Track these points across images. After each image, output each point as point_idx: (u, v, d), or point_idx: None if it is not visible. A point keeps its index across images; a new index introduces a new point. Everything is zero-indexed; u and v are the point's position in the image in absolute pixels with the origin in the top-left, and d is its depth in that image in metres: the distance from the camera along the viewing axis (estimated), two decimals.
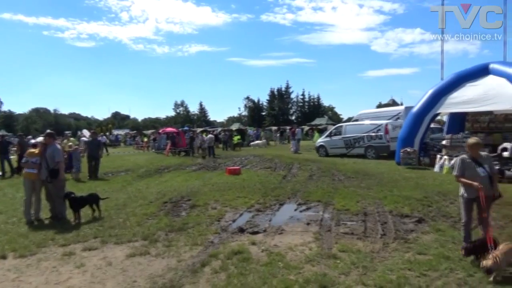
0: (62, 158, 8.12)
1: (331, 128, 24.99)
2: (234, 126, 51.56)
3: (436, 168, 14.17)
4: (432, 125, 17.53)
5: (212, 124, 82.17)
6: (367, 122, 21.33)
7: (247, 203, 8.92)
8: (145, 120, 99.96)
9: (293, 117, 76.36)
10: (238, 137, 34.74)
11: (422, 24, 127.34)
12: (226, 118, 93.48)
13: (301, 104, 78.96)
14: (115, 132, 60.55)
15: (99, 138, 21.79)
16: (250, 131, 45.36)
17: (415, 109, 15.97)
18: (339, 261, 4.99)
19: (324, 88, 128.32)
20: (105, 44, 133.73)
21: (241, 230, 6.61)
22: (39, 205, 7.88)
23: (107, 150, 29.81)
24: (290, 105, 78.35)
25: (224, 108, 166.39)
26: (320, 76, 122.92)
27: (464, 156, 5.21)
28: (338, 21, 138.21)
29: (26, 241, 6.29)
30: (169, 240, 6.12)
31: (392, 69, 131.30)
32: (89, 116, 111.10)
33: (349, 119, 37.76)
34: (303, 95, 78.27)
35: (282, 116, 74.03)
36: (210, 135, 27.67)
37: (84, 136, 28.44)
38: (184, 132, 32.25)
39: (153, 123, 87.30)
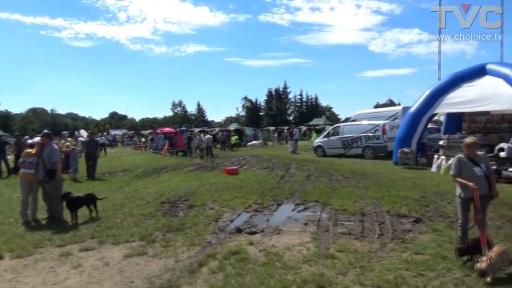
0: (59, 158, 8.09)
1: (329, 128, 24.99)
2: (232, 126, 51.54)
3: (434, 168, 14.22)
4: (429, 125, 17.60)
5: (210, 124, 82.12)
6: (364, 122, 21.37)
7: (245, 203, 8.92)
8: (142, 120, 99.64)
9: (291, 117, 76.38)
10: (236, 137, 34.75)
11: (419, 24, 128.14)
12: (224, 118, 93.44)
13: (299, 104, 79.02)
14: (113, 132, 60.44)
15: (98, 139, 21.78)
16: (248, 131, 45.37)
17: (412, 109, 16.02)
18: (336, 261, 5.00)
19: (322, 88, 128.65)
20: (102, 44, 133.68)
21: (239, 230, 6.60)
22: (36, 205, 7.85)
23: (105, 150, 29.80)
24: (288, 105, 78.40)
25: (222, 108, 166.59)
26: (318, 76, 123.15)
27: (461, 155, 5.21)
28: (335, 22, 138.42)
29: (23, 241, 6.27)
30: (166, 241, 6.11)
31: (390, 70, 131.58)
32: (87, 116, 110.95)
33: (346, 119, 37.88)
34: (301, 95, 78.41)
35: (280, 116, 74.05)
36: (208, 136, 27.66)
37: (82, 136, 28.38)
38: (182, 132, 32.23)
39: (151, 123, 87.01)
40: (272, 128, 51.21)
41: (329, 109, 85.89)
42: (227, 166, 16.24)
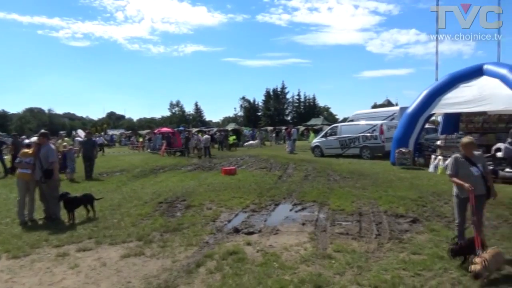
0: (56, 158, 8.07)
1: (327, 129, 25.02)
2: (230, 126, 51.60)
3: (431, 168, 14.26)
4: (426, 126, 17.65)
5: (208, 124, 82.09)
6: (362, 122, 21.40)
7: (242, 204, 8.92)
8: (140, 120, 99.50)
9: (289, 118, 76.51)
10: (234, 137, 34.75)
11: (417, 25, 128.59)
12: (221, 118, 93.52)
13: (296, 104, 79.15)
14: (110, 132, 60.30)
15: (97, 139, 21.71)
16: (246, 131, 45.38)
17: (410, 110, 16.05)
18: (334, 261, 5.00)
19: (320, 89, 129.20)
20: (100, 43, 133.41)
21: (236, 231, 6.60)
22: (32, 205, 7.82)
23: (103, 150, 29.77)
24: (286, 105, 78.53)
25: (219, 108, 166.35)
26: (316, 76, 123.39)
27: (458, 155, 5.21)
28: (333, 22, 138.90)
29: (19, 242, 6.24)
30: (164, 241, 6.10)
31: (387, 70, 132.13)
32: (84, 116, 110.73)
33: (344, 120, 37.92)
34: (298, 95, 78.60)
35: (278, 116, 74.15)
36: (206, 136, 27.64)
37: (79, 136, 28.31)
38: (180, 132, 32.19)
39: (148, 123, 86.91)
40: (270, 128, 51.28)
41: (327, 109, 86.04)
42: (225, 166, 16.22)
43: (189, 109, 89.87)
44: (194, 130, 43.15)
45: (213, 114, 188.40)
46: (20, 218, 7.54)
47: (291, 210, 8.37)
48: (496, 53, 21.95)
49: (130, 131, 61.35)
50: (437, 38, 23.76)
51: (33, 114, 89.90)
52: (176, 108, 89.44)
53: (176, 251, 5.60)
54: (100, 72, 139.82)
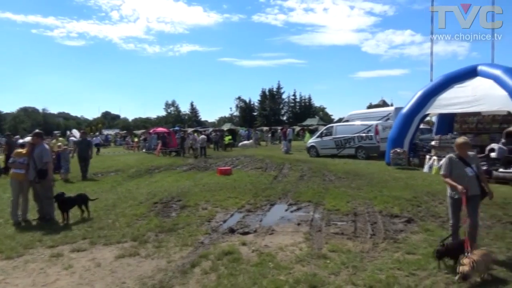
0: (50, 158, 8.01)
1: (322, 129, 25.08)
2: (226, 126, 51.51)
3: (425, 168, 14.34)
4: (421, 126, 17.74)
5: (203, 124, 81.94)
6: (357, 122, 21.47)
7: (238, 204, 8.91)
8: (135, 120, 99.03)
9: (285, 118, 76.54)
10: (229, 137, 34.73)
11: (412, 26, 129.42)
12: (217, 118, 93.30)
13: (292, 104, 79.23)
14: (105, 132, 60.05)
15: (94, 138, 21.57)
16: (242, 131, 45.36)
17: (404, 110, 16.14)
18: (329, 261, 5.01)
19: (315, 89, 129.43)
20: (95, 43, 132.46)
21: (232, 231, 6.59)
22: (26, 206, 7.77)
23: (98, 150, 29.67)
24: (282, 105, 78.57)
25: (215, 108, 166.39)
26: (311, 76, 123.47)
27: (452, 155, 5.20)
28: (329, 22, 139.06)
29: (13, 242, 6.19)
30: (159, 241, 6.08)
31: (383, 70, 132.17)
32: (79, 115, 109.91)
33: (340, 120, 38.01)
34: (294, 95, 78.66)
35: (274, 116, 74.16)
36: (202, 136, 27.62)
37: (74, 136, 28.15)
38: (175, 132, 32.11)
39: (144, 123, 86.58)
40: (265, 128, 51.27)
41: (322, 109, 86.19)
42: (220, 166, 16.21)
43: (184, 109, 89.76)
44: (190, 130, 43.06)
45: (209, 114, 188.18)
46: (13, 218, 7.48)
47: (286, 210, 8.37)
48: (490, 54, 22.05)
49: (125, 131, 61.15)
50: (431, 39, 23.90)
51: (27, 113, 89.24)
52: (172, 108, 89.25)
53: (171, 252, 5.58)
54: (95, 71, 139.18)
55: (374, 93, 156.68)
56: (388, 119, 21.46)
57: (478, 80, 13.71)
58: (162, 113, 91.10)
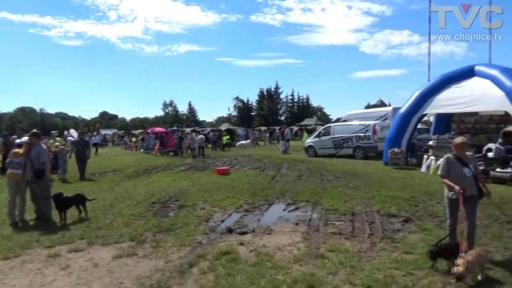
0: (48, 158, 7.98)
1: (320, 129, 25.10)
2: (224, 126, 51.54)
3: (423, 168, 14.37)
4: (419, 126, 17.77)
5: (202, 124, 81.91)
6: (355, 122, 21.50)
7: (235, 204, 8.91)
8: (133, 120, 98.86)
9: (283, 118, 76.62)
10: (228, 137, 34.70)
11: (409, 26, 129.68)
12: (215, 118, 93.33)
13: (290, 104, 79.29)
14: (103, 131, 59.90)
15: (92, 138, 21.48)
16: (240, 131, 45.35)
17: (402, 110, 16.17)
18: (327, 261, 5.02)
19: (313, 89, 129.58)
20: (92, 43, 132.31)
21: (230, 231, 6.59)
22: (23, 206, 7.73)
23: (97, 150, 29.63)
24: (280, 105, 78.64)
25: (213, 108, 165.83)
26: (309, 76, 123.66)
27: (450, 155, 5.20)
28: (327, 22, 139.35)
29: (10, 243, 6.17)
30: (156, 241, 6.07)
31: (380, 70, 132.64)
32: (76, 115, 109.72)
33: (337, 120, 38.04)
34: (292, 95, 78.75)
35: (272, 116, 74.22)
36: (200, 136, 27.61)
37: (72, 136, 28.03)
38: (173, 132, 32.06)
39: (142, 123, 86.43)
40: (263, 128, 51.31)
41: (320, 109, 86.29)
42: (218, 166, 16.20)
43: (182, 109, 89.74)
44: (188, 130, 43.01)
45: (207, 114, 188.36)
46: (10, 218, 7.45)
47: (284, 210, 8.38)
48: (488, 54, 22.09)
49: (123, 131, 60.97)
50: (429, 39, 23.94)
51: (25, 113, 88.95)
52: (170, 108, 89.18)
53: (169, 252, 5.57)
54: (93, 71, 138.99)
55: (372, 93, 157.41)
56: (386, 119, 21.50)
57: (475, 80, 13.75)
58: (160, 113, 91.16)
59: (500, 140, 12.83)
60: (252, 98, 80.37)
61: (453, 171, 5.03)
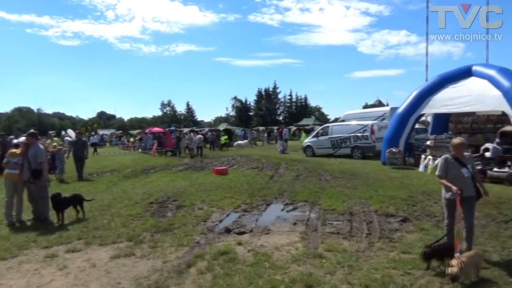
0: (45, 158, 7.97)
1: (318, 129, 25.13)
2: (222, 126, 51.47)
3: (421, 168, 14.40)
4: (416, 126, 17.81)
5: (200, 124, 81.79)
6: (353, 122, 21.53)
7: (234, 204, 8.91)
8: (131, 120, 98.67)
9: (281, 117, 76.57)
10: (226, 137, 34.69)
11: (407, 26, 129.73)
12: (213, 118, 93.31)
13: (288, 104, 79.30)
14: (101, 132, 59.79)
15: (91, 138, 21.40)
16: (238, 131, 45.31)
17: (400, 110, 16.20)
18: (325, 261, 5.02)
19: (311, 89, 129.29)
20: (90, 42, 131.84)
21: (228, 231, 6.59)
22: (21, 206, 7.71)
23: (96, 150, 29.59)
24: (278, 105, 78.60)
25: (211, 108, 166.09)
26: (307, 76, 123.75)
27: (448, 156, 5.19)
28: (325, 22, 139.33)
29: (7, 243, 6.14)
30: (154, 241, 6.06)
31: (378, 70, 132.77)
32: (74, 115, 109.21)
33: (335, 120, 38.08)
34: (290, 95, 78.72)
35: (270, 116, 74.17)
36: (199, 135, 27.60)
37: (69, 136, 27.96)
38: (171, 132, 32.03)
39: (140, 123, 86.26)
40: (261, 128, 51.29)
41: (318, 109, 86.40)
42: (216, 166, 16.20)
43: (180, 109, 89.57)
44: (186, 130, 42.97)
45: (205, 114, 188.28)
46: (7, 219, 7.42)
47: (282, 210, 8.38)
48: (485, 54, 22.12)
49: (120, 131, 60.88)
50: (427, 39, 23.97)
51: (22, 113, 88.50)
52: (168, 108, 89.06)
53: (167, 252, 5.56)
54: (90, 71, 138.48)
55: (369, 93, 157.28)
56: (383, 119, 21.53)
57: (472, 80, 13.79)
58: (158, 113, 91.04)
59: (497, 140, 12.88)
60: (250, 98, 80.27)
61: (451, 172, 5.02)
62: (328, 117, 78.73)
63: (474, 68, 14.02)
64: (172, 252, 5.54)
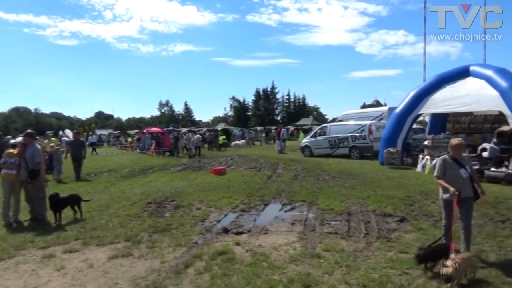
0: (42, 158, 7.94)
1: (316, 129, 25.14)
2: (220, 126, 51.43)
3: (418, 168, 14.43)
4: (414, 126, 17.86)
5: (198, 124, 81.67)
6: (351, 122, 21.56)
7: (232, 204, 8.90)
8: (129, 120, 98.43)
9: (279, 117, 76.56)
10: (224, 137, 34.68)
11: (405, 26, 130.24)
12: (211, 118, 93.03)
13: (286, 104, 79.29)
14: (99, 132, 59.61)
15: (89, 138, 21.33)
16: (236, 131, 45.30)
17: (398, 110, 16.23)
18: (322, 261, 5.02)
19: (309, 89, 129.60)
20: (88, 42, 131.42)
21: (226, 231, 6.58)
22: (18, 206, 7.68)
23: (95, 150, 29.55)
24: (276, 105, 78.57)
25: (209, 108, 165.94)
26: (306, 76, 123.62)
27: (446, 156, 5.18)
28: (323, 22, 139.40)
29: (4, 244, 6.12)
30: (152, 241, 6.05)
31: (376, 70, 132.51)
32: (72, 115, 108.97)
33: (333, 120, 38.13)
34: (288, 95, 78.70)
35: (268, 116, 74.15)
36: (197, 135, 27.58)
37: (67, 136, 27.91)
38: (169, 132, 31.99)
39: (138, 123, 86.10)
40: (259, 128, 51.27)
41: (316, 109, 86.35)
42: (214, 166, 16.18)
43: (178, 108, 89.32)
44: (184, 130, 42.92)
45: (203, 114, 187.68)
46: (4, 219, 7.39)
47: (280, 210, 8.38)
48: (482, 54, 22.18)
49: (118, 131, 60.76)
50: (424, 39, 24.07)
51: (19, 113, 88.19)
52: (166, 108, 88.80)
53: (165, 252, 5.56)
54: (88, 71, 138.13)
55: (367, 93, 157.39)
56: (381, 119, 21.57)
57: (470, 80, 13.84)
58: (156, 113, 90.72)
59: (494, 140, 12.93)
60: (248, 98, 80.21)
61: (449, 172, 5.01)
62: (326, 117, 78.90)
63: (471, 68, 14.07)
64: (170, 252, 5.54)
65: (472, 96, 13.33)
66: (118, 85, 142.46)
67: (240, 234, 6.44)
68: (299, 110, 75.94)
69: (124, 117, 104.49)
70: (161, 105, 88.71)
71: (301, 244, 5.81)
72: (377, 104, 65.73)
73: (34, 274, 4.84)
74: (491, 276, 4.43)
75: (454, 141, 5.18)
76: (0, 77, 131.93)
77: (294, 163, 17.96)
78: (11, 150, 8.05)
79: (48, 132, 29.33)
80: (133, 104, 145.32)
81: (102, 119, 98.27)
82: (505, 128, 13.04)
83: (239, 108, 78.87)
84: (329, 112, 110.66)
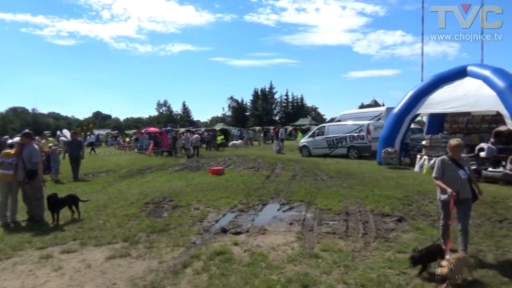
0: (40, 158, 7.92)
1: (314, 129, 25.16)
2: (218, 126, 51.45)
3: (416, 168, 14.46)
4: (412, 126, 17.89)
5: (196, 124, 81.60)
6: (349, 122, 21.60)
7: (230, 204, 8.90)
8: (127, 120, 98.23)
9: (277, 117, 76.62)
10: (222, 137, 34.69)
11: (403, 26, 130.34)
12: (209, 118, 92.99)
13: (284, 104, 79.31)
14: (96, 132, 59.51)
15: (88, 138, 21.28)
16: (234, 131, 45.30)
17: (396, 110, 16.27)
18: (321, 261, 5.03)
19: (308, 89, 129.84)
20: (85, 42, 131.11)
21: (224, 231, 6.58)
22: (15, 207, 7.66)
23: (94, 150, 29.51)
24: (274, 105, 78.60)
25: (207, 108, 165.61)
26: (304, 76, 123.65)
27: (445, 157, 5.18)
28: (321, 22, 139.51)
29: (1, 244, 6.10)
30: (150, 242, 6.04)
31: (374, 70, 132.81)
32: (69, 115, 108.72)
33: (332, 120, 38.17)
34: (286, 95, 78.74)
35: (266, 116, 74.17)
36: (195, 135, 27.56)
37: (65, 136, 27.80)
38: (167, 132, 31.95)
39: (136, 123, 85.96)
40: (258, 128, 51.29)
41: (314, 109, 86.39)
42: (212, 166, 16.17)
43: (176, 108, 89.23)
44: (182, 130, 42.89)
45: (201, 114, 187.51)
46: (2, 220, 7.37)
47: (278, 210, 8.38)
48: (480, 55, 22.19)
49: (116, 131, 60.66)
50: (422, 39, 24.11)
51: (17, 113, 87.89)
52: (164, 108, 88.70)
53: (163, 252, 5.55)
54: (86, 71, 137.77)
55: (365, 93, 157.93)
56: (379, 119, 21.61)
57: (467, 80, 13.88)
58: (154, 113, 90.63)
59: (492, 140, 12.97)
60: (247, 98, 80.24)
61: (448, 173, 5.01)
62: (324, 117, 79.04)
63: (469, 68, 14.11)
64: (168, 253, 5.53)
65: (470, 96, 13.37)
66: (116, 85, 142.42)
67: (238, 234, 6.44)
68: (297, 110, 75.97)
69: (122, 117, 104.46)
70: (159, 105, 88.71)
71: (299, 244, 5.81)
72: (375, 104, 65.54)
73: (32, 275, 4.82)
74: (489, 276, 4.44)
75: (453, 141, 5.15)
76: None
77: (292, 163, 17.97)
78: (8, 150, 8.04)
79: (46, 132, 29.14)
80: (131, 104, 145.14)
81: (100, 119, 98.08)
82: (502, 128, 13.08)
83: (237, 108, 78.86)
84: (327, 112, 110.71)
